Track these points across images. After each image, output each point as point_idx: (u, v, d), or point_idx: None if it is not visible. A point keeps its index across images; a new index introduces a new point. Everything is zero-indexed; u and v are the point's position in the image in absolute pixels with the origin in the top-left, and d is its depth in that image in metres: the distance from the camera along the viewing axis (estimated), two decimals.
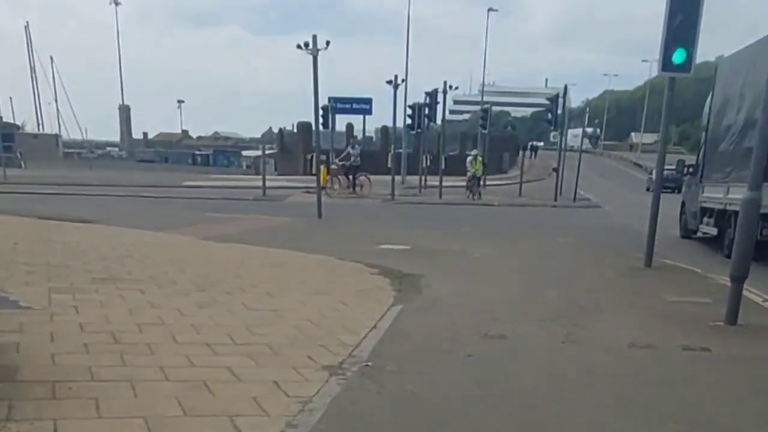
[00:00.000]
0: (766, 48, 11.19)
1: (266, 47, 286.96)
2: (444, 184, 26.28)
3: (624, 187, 43.47)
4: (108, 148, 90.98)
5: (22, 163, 43.27)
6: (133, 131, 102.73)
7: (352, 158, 25.28)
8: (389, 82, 24.06)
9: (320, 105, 37.46)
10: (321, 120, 36.11)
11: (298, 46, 16.58)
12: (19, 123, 67.22)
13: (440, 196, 25.68)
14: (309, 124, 43.04)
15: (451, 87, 26.15)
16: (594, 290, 8.36)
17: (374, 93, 56.22)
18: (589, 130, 76.05)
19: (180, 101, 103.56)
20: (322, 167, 30.66)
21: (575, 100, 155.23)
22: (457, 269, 9.78)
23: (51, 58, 78.46)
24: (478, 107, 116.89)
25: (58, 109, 72.48)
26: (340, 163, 25.91)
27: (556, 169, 26.35)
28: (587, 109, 27.61)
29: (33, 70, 72.66)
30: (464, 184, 27.46)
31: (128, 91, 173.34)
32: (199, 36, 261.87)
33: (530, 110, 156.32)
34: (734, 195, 11.26)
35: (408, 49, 39.21)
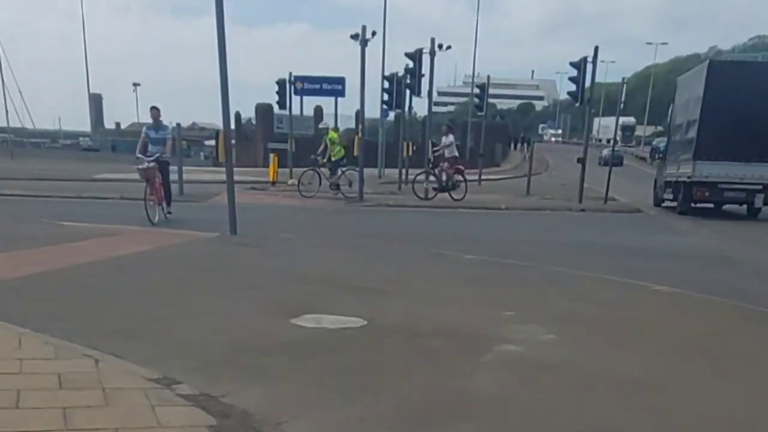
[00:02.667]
0: (698, 73, 17.32)
1: (247, 37, 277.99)
2: (431, 178, 19.64)
3: (638, 182, 37.32)
4: (80, 138, 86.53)
5: None
6: (106, 121, 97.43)
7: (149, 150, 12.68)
8: (354, 37, 17.32)
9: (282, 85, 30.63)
10: (279, 98, 29.39)
11: None
12: None
13: (426, 195, 19.06)
14: (269, 106, 36.29)
15: (441, 47, 19.37)
16: None
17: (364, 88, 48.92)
18: (626, 119, 59.80)
19: (135, 84, 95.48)
20: (271, 157, 24.13)
21: (562, 92, 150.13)
22: None
23: None
24: (462, 99, 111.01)
25: (4, 95, 64.90)
26: (150, 159, 12.47)
27: (581, 160, 19.75)
28: (624, 86, 21.10)
29: None
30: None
31: (107, 80, 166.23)
32: (179, 26, 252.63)
33: (516, 102, 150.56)
34: (680, 170, 17.57)
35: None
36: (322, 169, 18.57)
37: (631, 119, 73.08)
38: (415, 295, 6.59)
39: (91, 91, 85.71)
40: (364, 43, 16.85)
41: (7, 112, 65.23)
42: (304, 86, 38.29)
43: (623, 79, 27.13)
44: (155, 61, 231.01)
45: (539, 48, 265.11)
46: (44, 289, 6.17)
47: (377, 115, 34.45)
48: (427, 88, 19.91)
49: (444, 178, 19.22)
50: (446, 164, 19.25)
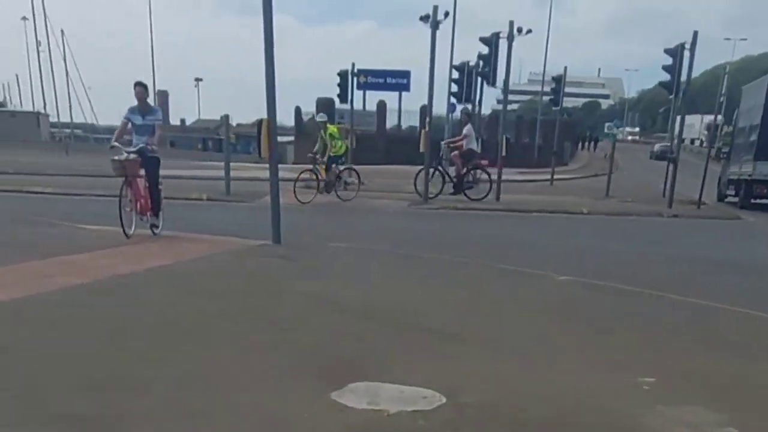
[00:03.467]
0: (761, 83, 19.43)
1: (317, 36, 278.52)
2: (503, 177, 17.71)
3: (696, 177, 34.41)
4: None
5: None
6: (171, 118, 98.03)
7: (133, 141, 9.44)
8: (424, 18, 15.46)
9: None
10: (340, 90, 27.78)
11: None
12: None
13: (498, 196, 17.10)
14: (330, 100, 34.73)
15: (520, 30, 17.31)
16: None
17: (433, 75, 46.75)
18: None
19: (198, 79, 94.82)
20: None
21: (630, 91, 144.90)
22: None
23: (62, 31, 71.20)
24: (528, 96, 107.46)
25: (69, 89, 65.47)
26: (132, 150, 9.13)
27: (672, 159, 17.46)
28: (725, 77, 19.04)
29: (45, 46, 64.94)
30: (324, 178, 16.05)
31: (174, 77, 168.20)
32: (248, 25, 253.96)
33: (582, 100, 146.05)
34: (743, 169, 19.67)
35: None
36: (319, 167, 16.33)
37: (720, 119, 67.45)
38: (507, 345, 4.75)
39: (158, 88, 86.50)
40: (435, 25, 14.89)
41: (70, 107, 65.90)
42: (367, 80, 36.72)
43: (725, 67, 24.44)
44: (221, 57, 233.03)
45: (605, 46, 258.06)
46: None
47: (442, 112, 32.57)
48: (502, 77, 17.71)
49: (458, 174, 17.10)
50: (456, 155, 17.06)
